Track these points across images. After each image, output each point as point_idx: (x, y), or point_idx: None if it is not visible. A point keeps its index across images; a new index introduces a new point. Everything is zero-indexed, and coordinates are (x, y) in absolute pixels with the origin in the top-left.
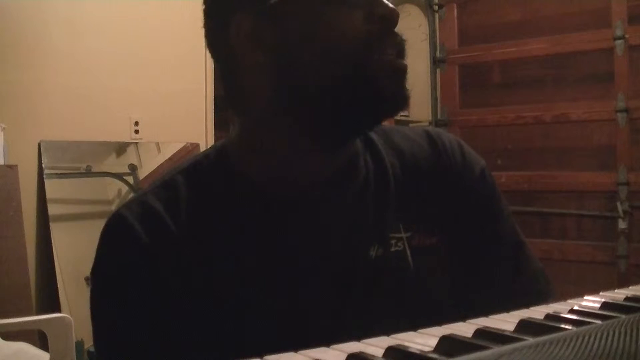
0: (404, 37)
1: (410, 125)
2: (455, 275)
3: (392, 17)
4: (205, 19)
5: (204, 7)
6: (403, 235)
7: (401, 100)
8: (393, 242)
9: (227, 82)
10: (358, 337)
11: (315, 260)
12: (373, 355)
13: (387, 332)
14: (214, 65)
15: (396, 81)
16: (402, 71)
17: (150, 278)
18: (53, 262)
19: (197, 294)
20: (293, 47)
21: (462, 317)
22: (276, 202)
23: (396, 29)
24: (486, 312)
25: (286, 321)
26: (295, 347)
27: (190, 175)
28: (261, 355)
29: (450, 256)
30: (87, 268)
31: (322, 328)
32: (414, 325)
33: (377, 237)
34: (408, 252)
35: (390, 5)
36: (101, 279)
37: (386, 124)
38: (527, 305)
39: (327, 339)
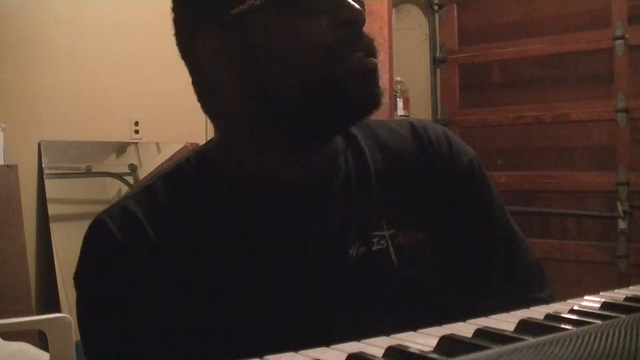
0: (371, 37)
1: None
2: (445, 271)
3: (357, 20)
4: (174, 29)
5: (172, 17)
6: (386, 232)
7: (372, 101)
8: (375, 240)
9: (199, 89)
10: (342, 336)
11: (295, 259)
12: (373, 355)
13: (372, 331)
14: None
15: (366, 83)
16: (371, 72)
17: (130, 282)
18: (53, 262)
19: (179, 297)
20: (259, 58)
21: (460, 316)
22: (256, 202)
23: (364, 28)
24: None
25: (268, 321)
26: (279, 346)
27: (171, 179)
28: (261, 356)
29: (440, 252)
30: None
31: (305, 327)
32: (401, 323)
33: (358, 235)
34: (391, 249)
35: (356, 6)
36: (83, 283)
37: (372, 118)
38: (521, 297)
39: (311, 338)
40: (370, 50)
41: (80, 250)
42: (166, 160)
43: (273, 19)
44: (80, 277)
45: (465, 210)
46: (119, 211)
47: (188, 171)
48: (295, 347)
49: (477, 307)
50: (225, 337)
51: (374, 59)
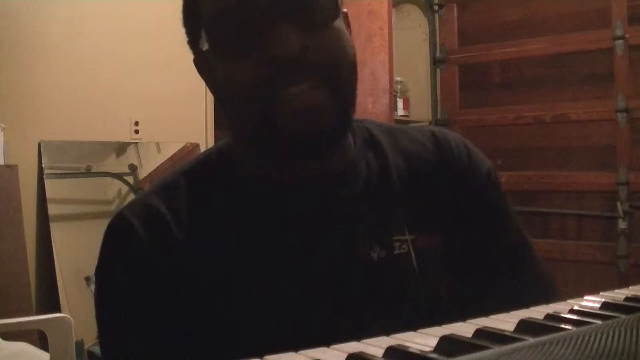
0: (324, 63)
1: (411, 125)
2: (459, 277)
3: (285, 56)
4: None
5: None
6: (407, 237)
7: (307, 141)
8: (397, 244)
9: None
10: (363, 339)
11: (315, 262)
12: (373, 355)
13: (390, 334)
14: None
15: (302, 122)
16: (301, 110)
17: (153, 278)
18: (53, 262)
19: (198, 294)
20: (215, 92)
21: (463, 317)
22: (276, 203)
23: (304, 59)
24: (487, 313)
25: (286, 322)
26: (296, 347)
27: (192, 175)
28: (261, 356)
29: (455, 258)
30: (87, 268)
31: (323, 330)
32: (420, 327)
33: (380, 239)
34: (412, 254)
35: (286, 42)
36: (104, 278)
37: (391, 124)
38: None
39: (328, 342)
40: (310, 86)
41: (102, 246)
42: (166, 160)
43: (215, 62)
44: (103, 272)
45: (480, 219)
46: (141, 207)
47: (209, 167)
48: (314, 347)
49: (485, 313)
50: (241, 334)
51: (314, 93)
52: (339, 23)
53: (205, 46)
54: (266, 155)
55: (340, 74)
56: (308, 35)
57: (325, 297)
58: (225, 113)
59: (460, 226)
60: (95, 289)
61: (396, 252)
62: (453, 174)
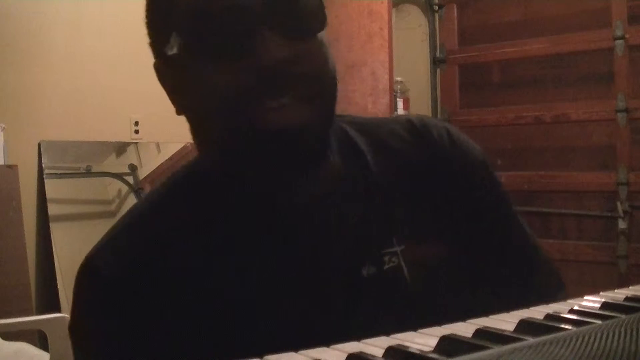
0: (302, 82)
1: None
2: (458, 281)
3: (268, 67)
4: None
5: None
6: (397, 249)
7: (291, 158)
8: (386, 258)
9: None
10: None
11: (305, 280)
12: (373, 355)
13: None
14: None
15: (279, 140)
16: (284, 128)
17: (136, 319)
18: (53, 262)
19: (190, 310)
20: (179, 100)
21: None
22: (249, 225)
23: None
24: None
25: (278, 343)
26: None
27: (169, 198)
28: (261, 356)
29: (451, 263)
30: None
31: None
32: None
33: (368, 254)
34: (403, 266)
35: (270, 50)
36: (81, 335)
37: (366, 117)
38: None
39: None
40: (287, 98)
41: (75, 301)
42: (166, 160)
43: (186, 67)
44: (78, 328)
45: (474, 213)
46: (110, 246)
47: (175, 196)
48: None
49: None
50: (229, 352)
51: (295, 106)
52: (323, 35)
53: (173, 50)
54: (238, 171)
55: (323, 88)
56: (292, 46)
57: (315, 322)
58: (191, 123)
59: (453, 226)
60: (75, 348)
61: (386, 266)
62: (436, 169)
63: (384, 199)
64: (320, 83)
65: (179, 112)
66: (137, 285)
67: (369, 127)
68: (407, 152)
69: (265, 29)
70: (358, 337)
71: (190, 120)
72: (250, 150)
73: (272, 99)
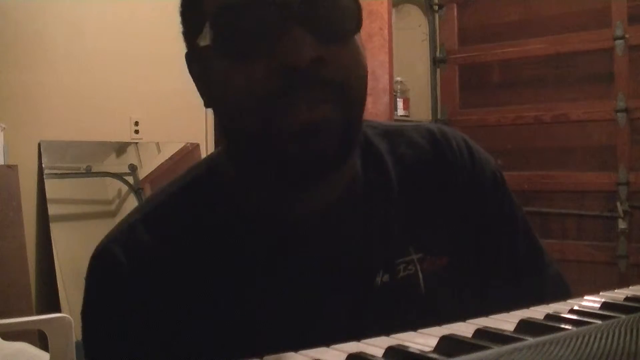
0: (332, 79)
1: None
2: (469, 289)
3: (297, 66)
4: None
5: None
6: (414, 257)
7: (309, 164)
8: (402, 266)
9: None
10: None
11: (314, 291)
12: (373, 355)
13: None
14: None
15: (302, 142)
16: (308, 129)
17: (144, 310)
18: (53, 262)
19: (189, 317)
20: (207, 93)
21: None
22: (267, 228)
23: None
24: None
25: (287, 348)
26: None
27: (179, 200)
28: (261, 356)
29: (463, 272)
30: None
31: None
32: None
33: (383, 262)
34: (420, 274)
35: (301, 50)
36: (92, 319)
37: (387, 123)
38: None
39: None
40: (314, 102)
41: (87, 283)
42: (166, 160)
43: (214, 60)
44: (92, 310)
45: (488, 226)
46: (126, 236)
47: (197, 192)
48: None
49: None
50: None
51: (322, 110)
52: (358, 38)
53: (205, 41)
54: (260, 171)
55: (352, 94)
56: (324, 48)
57: (326, 330)
58: (217, 117)
59: (467, 236)
60: (84, 331)
61: (401, 274)
62: (455, 180)
63: (403, 207)
64: (350, 88)
65: (207, 105)
66: (151, 273)
67: (390, 134)
68: (427, 162)
69: (297, 28)
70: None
71: (216, 113)
72: (272, 151)
73: (298, 100)
